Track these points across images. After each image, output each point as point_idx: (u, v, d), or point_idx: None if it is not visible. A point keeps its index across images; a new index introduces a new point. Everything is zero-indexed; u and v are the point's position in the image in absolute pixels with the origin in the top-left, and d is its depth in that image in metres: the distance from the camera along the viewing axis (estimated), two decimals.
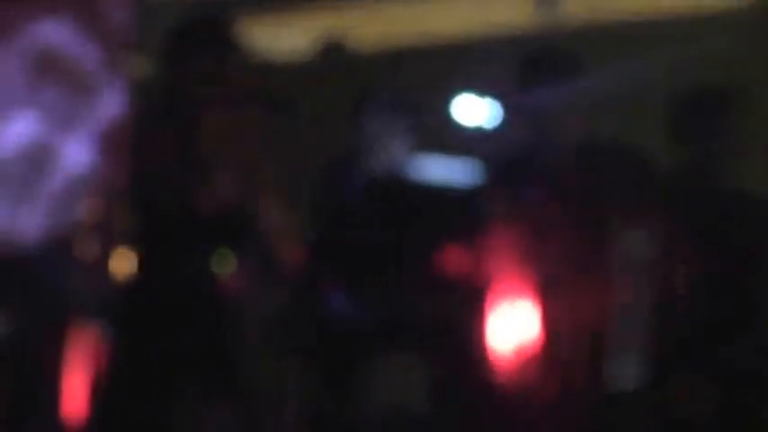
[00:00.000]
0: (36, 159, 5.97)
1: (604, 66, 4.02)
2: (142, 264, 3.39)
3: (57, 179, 5.96)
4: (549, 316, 3.56)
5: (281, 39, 7.93)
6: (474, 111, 5.12)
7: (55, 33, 5.90)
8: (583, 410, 3.50)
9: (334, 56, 6.92)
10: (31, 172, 5.96)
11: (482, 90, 5.20)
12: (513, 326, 3.59)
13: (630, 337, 3.49)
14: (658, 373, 3.54)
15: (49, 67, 5.99)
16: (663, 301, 3.59)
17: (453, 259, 3.91)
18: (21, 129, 5.81)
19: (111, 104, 6.44)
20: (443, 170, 4.88)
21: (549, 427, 3.52)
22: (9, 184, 5.69)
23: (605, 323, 3.51)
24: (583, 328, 3.51)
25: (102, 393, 3.40)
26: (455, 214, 4.39)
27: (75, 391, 4.50)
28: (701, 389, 3.77)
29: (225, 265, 3.40)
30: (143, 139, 3.37)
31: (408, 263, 4.52)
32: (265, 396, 5.35)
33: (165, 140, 3.30)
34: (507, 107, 4.51)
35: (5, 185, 5.70)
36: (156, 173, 3.28)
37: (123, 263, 3.50)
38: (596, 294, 3.53)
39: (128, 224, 3.44)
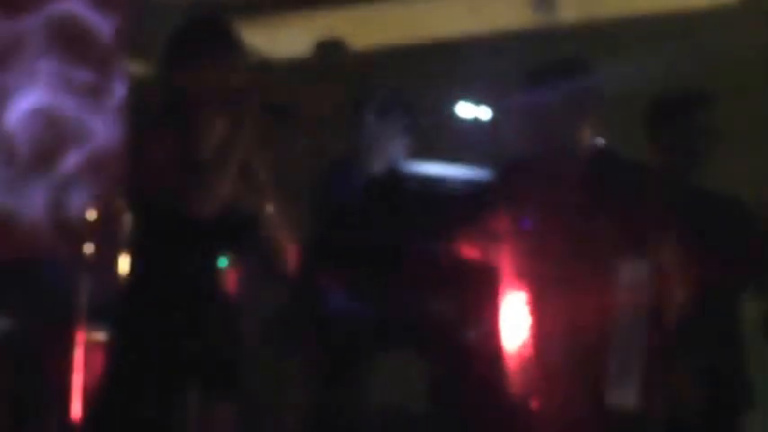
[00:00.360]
0: (54, 132, 6.00)
1: (601, 67, 4.02)
2: (142, 264, 3.38)
3: (74, 153, 5.99)
4: (548, 316, 3.56)
5: (280, 39, 7.93)
6: (472, 112, 5.13)
7: (74, 7, 5.93)
8: (582, 415, 3.50)
9: (333, 56, 6.91)
10: (47, 144, 5.99)
11: (480, 91, 5.20)
12: (512, 326, 3.59)
13: (631, 343, 3.48)
14: (658, 380, 3.54)
15: (67, 40, 6.02)
16: (664, 307, 3.58)
17: (453, 259, 3.91)
18: (36, 100, 5.84)
19: (124, 80, 6.47)
20: (441, 170, 4.89)
21: (547, 427, 3.52)
22: (21, 158, 5.72)
23: (606, 326, 3.49)
24: (583, 329, 3.50)
25: (102, 393, 3.40)
26: (454, 214, 4.39)
27: (76, 391, 4.50)
28: (695, 392, 3.81)
29: (225, 266, 3.40)
30: (143, 139, 3.37)
31: (407, 263, 4.52)
32: (265, 396, 5.35)
33: (165, 141, 3.30)
34: (505, 108, 4.52)
35: (17, 159, 5.73)
36: (156, 173, 3.27)
37: (124, 263, 3.51)
38: (597, 297, 3.52)
39: (127, 225, 3.44)
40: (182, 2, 6.79)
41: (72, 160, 6.06)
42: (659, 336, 3.49)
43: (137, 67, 6.96)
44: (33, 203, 5.81)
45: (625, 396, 3.43)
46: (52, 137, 6.06)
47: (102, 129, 6.20)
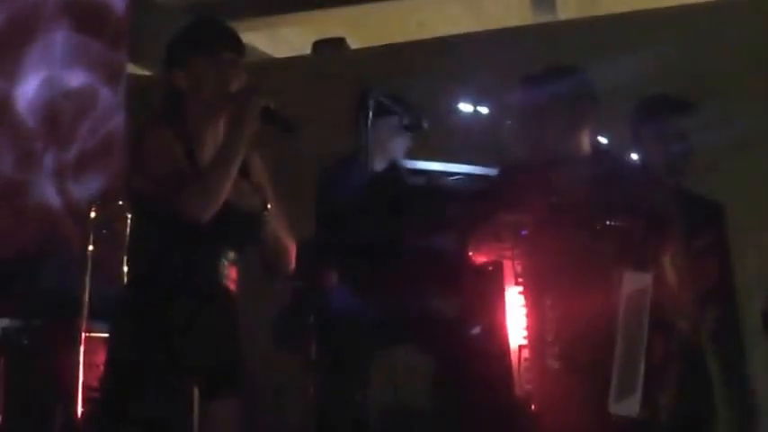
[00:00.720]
0: (69, 104, 6.03)
1: (600, 65, 4.02)
2: (143, 263, 3.37)
3: (88, 125, 6.01)
4: (549, 316, 3.54)
5: (281, 39, 7.94)
6: (472, 110, 5.13)
7: None
8: (583, 419, 3.49)
9: (333, 56, 6.92)
10: (62, 116, 6.01)
11: (481, 89, 5.21)
12: (514, 325, 3.58)
13: (635, 349, 3.47)
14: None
15: (82, 14, 6.03)
16: (667, 313, 3.57)
17: (454, 257, 3.90)
18: (51, 73, 5.86)
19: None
20: (442, 168, 4.89)
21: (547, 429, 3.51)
22: (36, 129, 5.74)
23: (607, 329, 3.48)
24: (584, 331, 3.49)
25: (103, 392, 3.41)
26: (454, 213, 4.40)
27: (79, 388, 4.51)
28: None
29: (226, 264, 3.40)
30: (143, 138, 3.37)
31: (409, 260, 4.52)
32: (267, 395, 5.35)
33: (165, 141, 3.30)
34: (505, 107, 4.52)
35: (31, 131, 5.74)
36: (156, 173, 3.27)
37: (125, 262, 3.50)
38: (601, 295, 3.50)
39: (129, 224, 3.43)
40: (182, 2, 6.81)
41: (86, 133, 6.10)
42: (663, 342, 3.49)
43: (137, 68, 6.99)
44: (45, 181, 5.85)
45: (629, 404, 3.42)
46: (67, 109, 6.09)
47: (114, 102, 6.24)
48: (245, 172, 3.36)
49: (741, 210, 4.97)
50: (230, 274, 3.40)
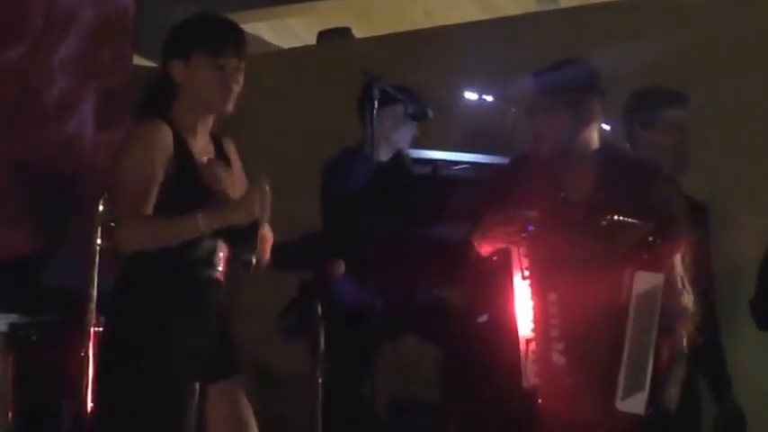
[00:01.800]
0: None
1: (601, 56, 4.02)
2: (136, 257, 3.36)
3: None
4: (555, 309, 3.54)
5: (286, 29, 7.94)
6: (476, 101, 5.13)
7: None
8: (588, 415, 3.50)
9: (338, 46, 6.92)
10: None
11: (486, 79, 5.21)
12: (521, 315, 3.58)
13: (642, 348, 3.47)
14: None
15: None
16: (675, 310, 3.57)
17: (460, 246, 3.91)
18: None
19: None
20: (448, 158, 4.90)
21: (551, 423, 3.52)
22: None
23: (617, 322, 3.48)
24: (592, 325, 3.48)
25: (103, 390, 3.42)
26: (460, 203, 4.41)
27: (88, 385, 4.53)
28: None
29: (220, 257, 3.40)
30: (127, 137, 3.38)
31: (416, 250, 4.54)
32: (273, 387, 5.36)
33: (147, 147, 3.29)
34: (510, 96, 4.53)
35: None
36: (148, 163, 3.27)
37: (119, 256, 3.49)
38: (607, 292, 3.50)
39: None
40: None
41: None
42: (670, 340, 3.49)
43: (143, 59, 6.99)
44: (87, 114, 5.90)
45: (636, 401, 3.42)
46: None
47: None
48: (229, 164, 3.39)
49: (729, 198, 4.99)
50: (223, 267, 3.41)
